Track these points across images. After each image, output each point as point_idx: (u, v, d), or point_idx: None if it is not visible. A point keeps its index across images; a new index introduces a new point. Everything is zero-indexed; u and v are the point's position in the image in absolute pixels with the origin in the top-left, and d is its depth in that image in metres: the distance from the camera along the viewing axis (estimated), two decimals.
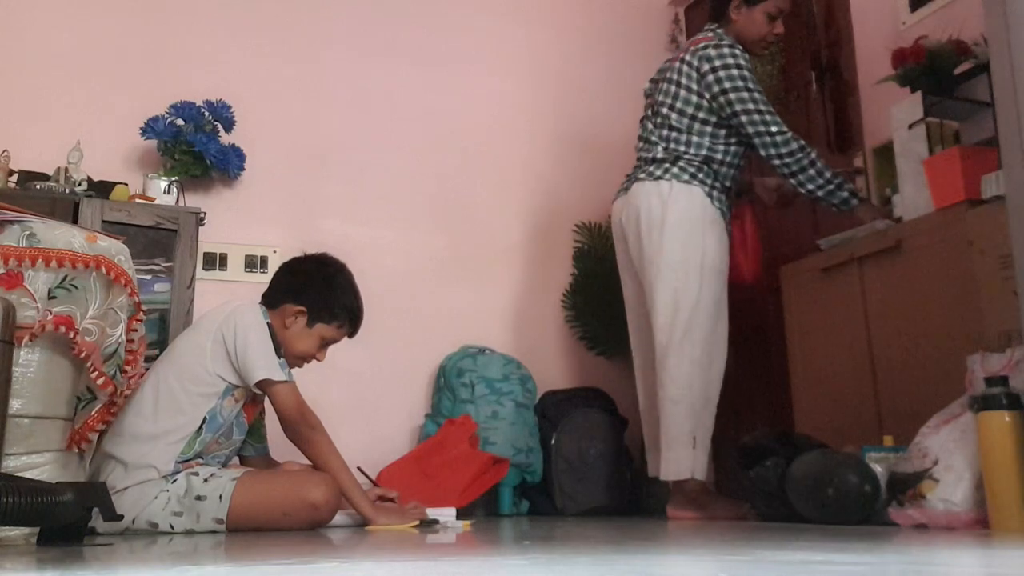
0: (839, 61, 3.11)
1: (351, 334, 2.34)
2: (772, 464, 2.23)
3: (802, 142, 2.61)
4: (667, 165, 2.66)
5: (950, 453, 1.81)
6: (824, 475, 2.02)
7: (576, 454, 3.12)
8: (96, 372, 1.62)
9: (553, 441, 3.14)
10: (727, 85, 2.63)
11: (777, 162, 2.60)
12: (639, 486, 3.22)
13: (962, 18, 2.57)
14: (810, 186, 2.58)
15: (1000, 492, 1.68)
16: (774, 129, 2.60)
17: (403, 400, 3.27)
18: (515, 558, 1.20)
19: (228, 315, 2.15)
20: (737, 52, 2.67)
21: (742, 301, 2.70)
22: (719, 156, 2.67)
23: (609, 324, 3.43)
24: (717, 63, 2.65)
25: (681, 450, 2.52)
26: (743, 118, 2.61)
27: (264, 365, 2.10)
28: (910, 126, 2.51)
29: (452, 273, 3.46)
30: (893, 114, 2.60)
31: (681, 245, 2.59)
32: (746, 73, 2.64)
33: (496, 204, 3.59)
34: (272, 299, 2.28)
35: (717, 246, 2.62)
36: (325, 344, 2.30)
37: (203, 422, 2.09)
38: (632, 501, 3.16)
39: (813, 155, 2.59)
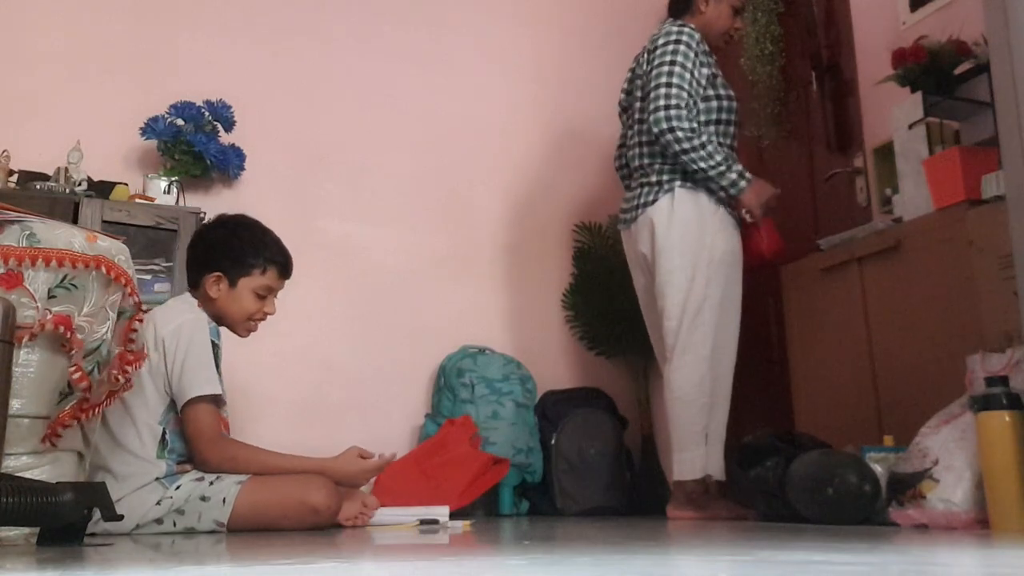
0: (839, 61, 3.11)
1: (284, 274, 2.30)
2: (772, 464, 2.23)
3: (688, 126, 2.52)
4: (663, 177, 2.62)
5: (950, 453, 1.81)
6: (824, 475, 2.02)
7: (576, 454, 3.12)
8: (74, 367, 1.61)
9: (553, 441, 3.14)
10: (656, 60, 2.61)
11: (663, 140, 2.53)
12: (639, 486, 3.23)
13: (962, 18, 2.57)
14: (693, 167, 2.53)
15: (1000, 492, 1.68)
16: (662, 103, 2.54)
17: (403, 400, 3.27)
18: (515, 558, 1.20)
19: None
20: (687, 30, 2.63)
21: (742, 300, 2.69)
22: None
23: (609, 324, 3.43)
24: (661, 40, 2.63)
25: (694, 449, 2.51)
26: (652, 93, 2.57)
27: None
28: (910, 126, 2.51)
29: (452, 273, 3.45)
30: (893, 114, 2.60)
31: (685, 247, 2.56)
32: (681, 48, 2.59)
33: (496, 204, 3.59)
34: (192, 281, 2.27)
35: (724, 241, 2.59)
36: (261, 296, 2.25)
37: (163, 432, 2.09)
38: (632, 501, 3.16)
39: (696, 141, 2.52)
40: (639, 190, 2.69)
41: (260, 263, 2.25)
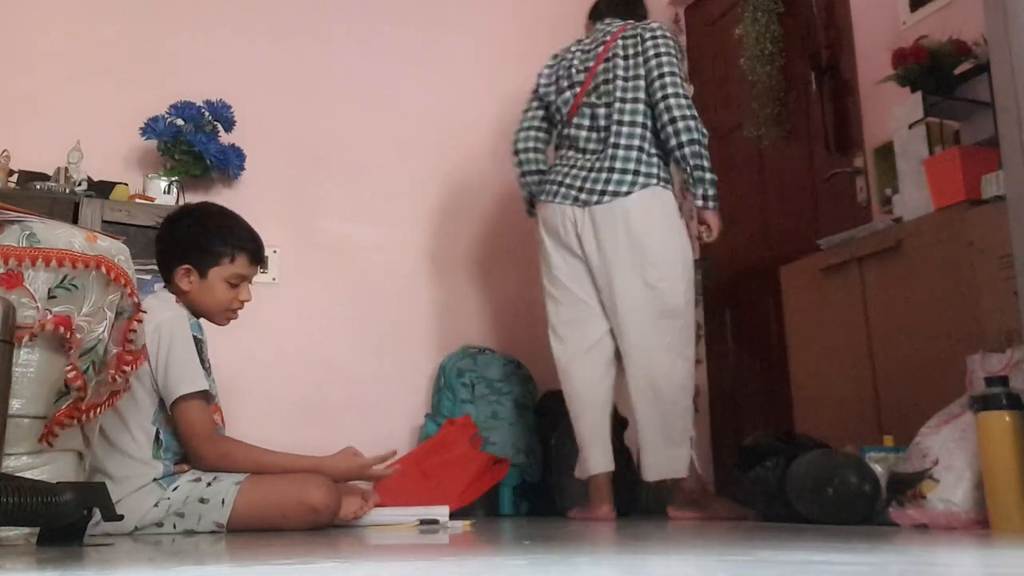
0: (839, 61, 3.11)
1: (255, 261, 2.24)
2: (772, 464, 2.23)
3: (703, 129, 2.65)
4: (640, 167, 2.62)
5: (950, 453, 1.81)
6: (824, 475, 2.02)
7: (576, 454, 3.11)
8: (70, 366, 1.60)
9: (553, 441, 3.13)
10: (664, 58, 2.65)
11: (681, 124, 2.58)
12: (639, 486, 3.22)
13: (962, 18, 2.57)
14: (694, 161, 2.57)
15: (1000, 492, 1.68)
16: (688, 112, 2.61)
17: (403, 400, 3.27)
18: (515, 558, 1.20)
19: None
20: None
21: (742, 301, 2.70)
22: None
23: None
24: (660, 38, 2.68)
25: (681, 448, 2.53)
26: (668, 79, 2.62)
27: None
28: (910, 126, 2.51)
29: (452, 273, 3.46)
30: (893, 114, 2.60)
31: (666, 247, 2.59)
32: (674, 53, 2.70)
33: (496, 204, 3.59)
34: (165, 276, 2.22)
35: (688, 240, 2.66)
36: (235, 284, 2.20)
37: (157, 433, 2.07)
38: (632, 501, 3.16)
39: (707, 143, 2.62)
40: (604, 174, 2.63)
41: (228, 251, 2.19)
